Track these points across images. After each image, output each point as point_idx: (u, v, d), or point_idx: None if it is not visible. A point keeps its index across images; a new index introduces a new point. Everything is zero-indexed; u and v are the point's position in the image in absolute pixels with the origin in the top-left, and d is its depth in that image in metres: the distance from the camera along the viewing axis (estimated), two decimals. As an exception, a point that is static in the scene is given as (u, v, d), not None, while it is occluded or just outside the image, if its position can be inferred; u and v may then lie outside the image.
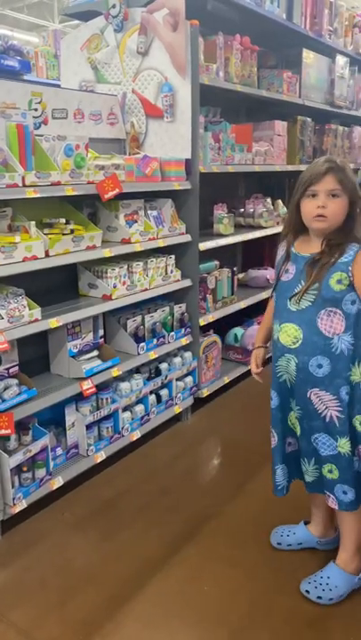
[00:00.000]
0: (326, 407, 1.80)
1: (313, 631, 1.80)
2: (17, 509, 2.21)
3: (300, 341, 1.78)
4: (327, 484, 1.87)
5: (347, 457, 1.80)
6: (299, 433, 1.91)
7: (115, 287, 2.60)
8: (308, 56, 3.91)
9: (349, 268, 1.70)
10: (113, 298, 2.59)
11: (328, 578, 1.93)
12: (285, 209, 4.07)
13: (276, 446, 1.98)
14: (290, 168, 3.93)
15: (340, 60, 4.28)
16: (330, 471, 1.84)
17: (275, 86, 3.66)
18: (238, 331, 3.77)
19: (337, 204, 1.71)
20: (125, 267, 2.69)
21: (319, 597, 1.90)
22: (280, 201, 4.05)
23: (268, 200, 3.91)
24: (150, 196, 2.92)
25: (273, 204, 3.94)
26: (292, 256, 1.83)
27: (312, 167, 1.74)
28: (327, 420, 1.81)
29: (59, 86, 3.23)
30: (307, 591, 1.92)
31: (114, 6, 2.99)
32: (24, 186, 2.10)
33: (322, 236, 1.76)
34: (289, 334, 1.80)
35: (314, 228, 1.76)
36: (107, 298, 2.60)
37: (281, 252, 1.91)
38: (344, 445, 1.80)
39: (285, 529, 2.21)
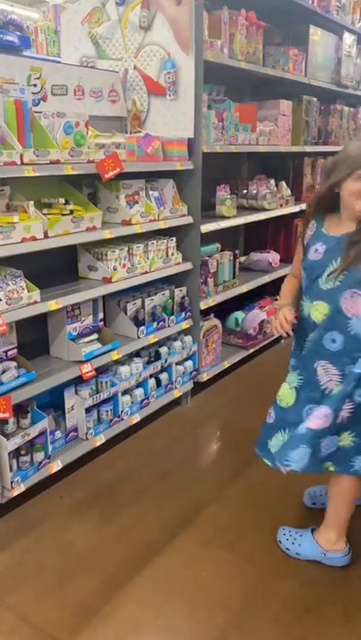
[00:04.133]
0: (329, 379, 1.83)
1: (312, 617, 1.80)
2: (15, 493, 2.20)
3: (326, 318, 1.82)
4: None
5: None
6: (292, 402, 1.93)
7: (115, 270, 2.56)
8: (316, 33, 3.80)
9: None
10: (113, 280, 2.55)
11: (300, 537, 2.07)
12: (289, 191, 4.00)
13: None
14: (294, 149, 3.86)
15: (348, 38, 4.17)
16: None
17: (280, 64, 3.57)
18: (239, 315, 3.73)
19: None
20: (126, 249, 2.64)
21: (287, 549, 2.07)
22: (284, 182, 3.98)
23: (272, 181, 3.83)
24: (152, 177, 2.85)
25: (277, 186, 3.87)
26: (322, 236, 1.83)
27: None
28: (326, 392, 1.84)
29: (59, 62, 3.14)
30: (279, 541, 2.10)
31: (116, -22, 2.89)
32: (22, 164, 2.04)
33: (356, 218, 1.76)
34: (320, 311, 1.83)
35: (358, 210, 1.74)
36: (106, 280, 2.55)
37: (310, 231, 1.89)
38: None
39: (319, 489, 2.31)
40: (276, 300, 4.10)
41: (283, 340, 4.22)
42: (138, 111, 3.04)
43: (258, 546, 2.11)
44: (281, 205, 3.81)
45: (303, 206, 4.11)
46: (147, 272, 2.75)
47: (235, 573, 1.98)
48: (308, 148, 4.02)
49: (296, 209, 3.99)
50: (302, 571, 1.99)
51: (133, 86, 3.03)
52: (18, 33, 3.84)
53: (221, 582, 1.95)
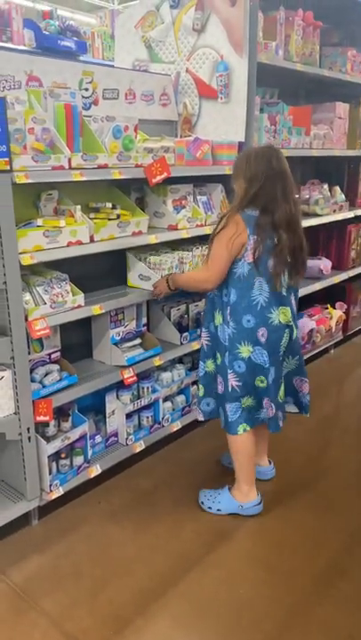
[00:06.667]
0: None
1: (353, 649, 1.70)
2: (53, 496, 2.20)
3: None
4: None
5: None
6: None
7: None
8: (376, 32, 3.66)
9: None
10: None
11: (219, 495, 2.32)
12: (343, 196, 3.87)
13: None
14: (350, 153, 3.73)
15: None
16: None
17: (338, 65, 3.46)
18: (287, 323, 3.63)
19: None
20: (177, 257, 2.59)
21: (209, 507, 2.31)
22: (338, 187, 3.85)
23: (326, 186, 3.71)
24: (200, 181, 2.81)
25: (330, 191, 3.74)
26: None
27: None
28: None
29: (111, 66, 3.15)
30: (201, 502, 2.33)
31: (171, -19, 2.88)
32: (70, 168, 2.04)
33: None
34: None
35: None
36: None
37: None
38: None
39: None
40: (327, 308, 3.98)
41: (332, 351, 4.09)
42: (189, 115, 3.01)
43: (298, 566, 2.03)
44: (334, 211, 3.68)
45: (359, 212, 3.96)
46: (192, 277, 2.70)
47: (273, 594, 1.91)
48: (365, 152, 3.87)
49: (350, 215, 3.85)
50: (344, 595, 1.90)
51: (185, 89, 3.00)
52: (75, 38, 3.89)
53: (258, 602, 1.87)
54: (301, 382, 2.36)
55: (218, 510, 2.29)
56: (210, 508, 2.30)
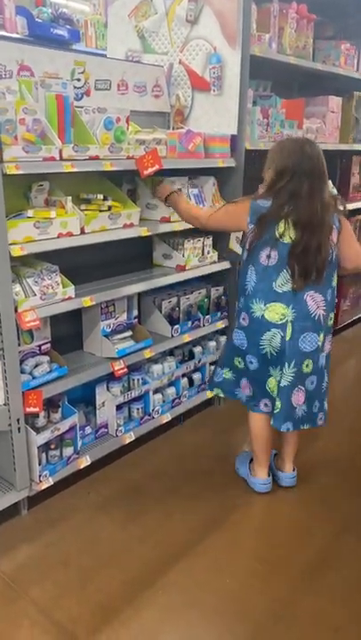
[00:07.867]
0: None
1: (341, 637, 1.73)
2: (43, 486, 2.21)
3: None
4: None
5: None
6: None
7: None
8: (370, 26, 3.66)
9: None
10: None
11: (246, 458, 2.50)
12: (335, 190, 3.87)
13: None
14: (342, 147, 3.73)
15: None
16: None
17: (331, 59, 3.45)
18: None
19: None
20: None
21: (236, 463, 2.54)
22: (330, 182, 3.84)
23: (317, 180, 3.72)
24: (193, 173, 2.81)
25: (322, 185, 3.75)
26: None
27: None
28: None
29: (103, 56, 3.13)
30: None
31: (164, -30, 2.85)
32: (61, 159, 2.03)
33: None
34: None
35: None
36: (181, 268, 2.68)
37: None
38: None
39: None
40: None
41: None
42: (181, 106, 2.99)
43: (288, 557, 2.06)
44: (326, 205, 3.69)
45: (349, 206, 3.97)
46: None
47: (260, 583, 1.93)
48: (358, 146, 3.88)
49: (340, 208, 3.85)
50: (332, 586, 1.93)
51: (178, 81, 2.99)
52: (68, 27, 3.82)
53: (246, 592, 1.90)
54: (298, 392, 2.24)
55: (237, 469, 2.50)
56: (236, 463, 2.53)
